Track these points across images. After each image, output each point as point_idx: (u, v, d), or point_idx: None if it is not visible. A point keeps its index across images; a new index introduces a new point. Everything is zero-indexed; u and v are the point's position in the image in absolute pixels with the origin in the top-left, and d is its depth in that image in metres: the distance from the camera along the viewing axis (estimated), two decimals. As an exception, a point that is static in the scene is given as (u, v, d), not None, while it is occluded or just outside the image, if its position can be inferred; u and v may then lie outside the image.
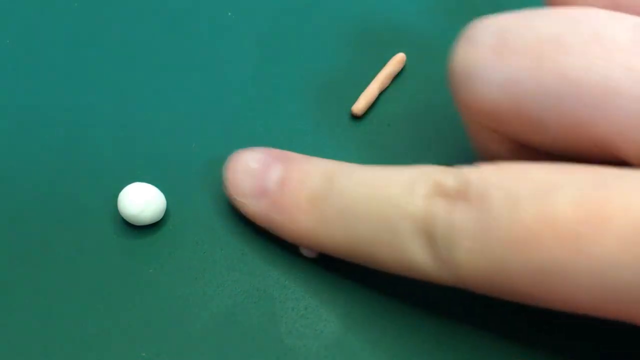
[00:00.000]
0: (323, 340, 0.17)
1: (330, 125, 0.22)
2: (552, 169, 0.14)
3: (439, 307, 0.18)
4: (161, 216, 0.19)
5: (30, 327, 0.17)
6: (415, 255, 0.15)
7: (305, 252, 0.18)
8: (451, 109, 0.22)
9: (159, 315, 0.18)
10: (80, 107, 0.22)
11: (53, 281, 0.18)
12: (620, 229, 0.12)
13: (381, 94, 0.22)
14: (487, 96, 0.15)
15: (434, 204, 0.15)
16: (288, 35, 0.24)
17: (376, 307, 0.18)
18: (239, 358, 0.17)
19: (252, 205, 0.18)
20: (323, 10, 0.25)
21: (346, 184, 0.16)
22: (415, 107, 0.22)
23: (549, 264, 0.13)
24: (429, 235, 0.15)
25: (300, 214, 0.17)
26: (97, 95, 0.22)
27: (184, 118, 0.22)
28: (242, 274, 0.18)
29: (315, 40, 0.24)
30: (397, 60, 0.23)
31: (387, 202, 0.15)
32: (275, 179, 0.17)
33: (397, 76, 0.23)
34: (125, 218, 0.19)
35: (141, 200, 0.18)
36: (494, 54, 0.15)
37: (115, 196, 0.19)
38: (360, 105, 0.22)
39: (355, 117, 0.22)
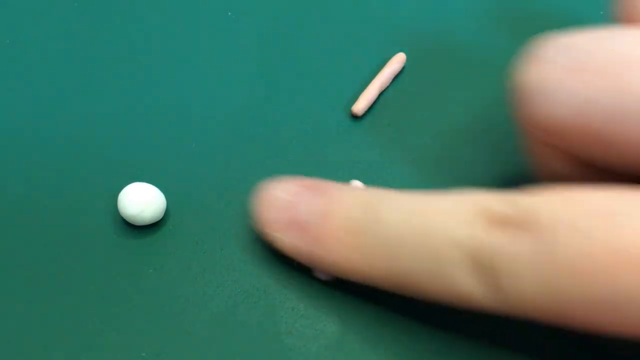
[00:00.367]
0: (323, 340, 0.17)
1: (330, 125, 0.22)
2: (614, 195, 0.14)
3: (439, 308, 0.18)
4: (161, 216, 0.19)
5: (30, 327, 0.17)
6: (467, 286, 0.15)
7: (320, 275, 0.18)
8: (451, 109, 0.22)
9: (159, 315, 0.18)
10: (80, 107, 0.22)
11: (53, 281, 0.18)
12: None
13: (381, 94, 0.22)
14: (559, 114, 0.15)
15: (486, 232, 0.14)
16: (288, 35, 0.24)
17: (376, 308, 0.18)
18: (238, 358, 0.17)
19: (288, 240, 0.17)
20: (323, 10, 0.25)
21: (387, 213, 0.16)
22: (415, 107, 0.22)
23: (618, 294, 0.13)
24: (482, 264, 0.14)
25: (342, 247, 0.16)
26: (97, 95, 0.22)
27: (184, 118, 0.22)
28: (242, 274, 0.18)
29: (315, 40, 0.24)
30: (397, 60, 0.23)
31: (433, 231, 0.15)
32: (313, 211, 0.17)
33: (397, 76, 0.23)
34: (125, 218, 0.19)
35: (141, 200, 0.18)
36: (569, 73, 0.15)
37: (115, 196, 0.19)
38: (360, 105, 0.22)
39: (355, 117, 0.22)
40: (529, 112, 0.16)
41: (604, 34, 0.15)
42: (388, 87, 0.22)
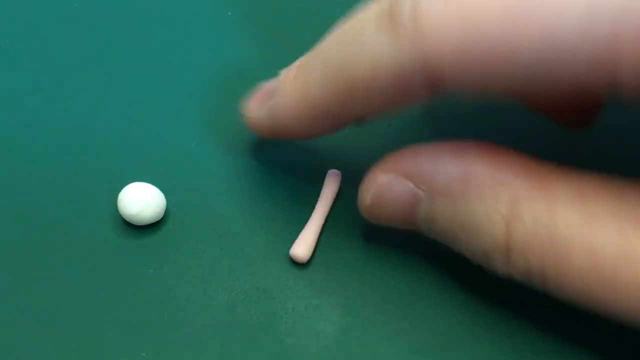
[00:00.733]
0: (323, 340, 0.17)
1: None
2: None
3: (439, 308, 0.18)
4: (161, 216, 0.19)
5: (29, 327, 0.17)
6: (377, 44, 0.15)
7: (294, 254, 0.18)
8: (451, 109, 0.22)
9: (159, 315, 0.18)
10: (80, 107, 0.22)
11: (53, 281, 0.18)
12: None
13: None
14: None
15: None
16: (288, 34, 0.24)
17: (376, 308, 0.18)
18: (239, 358, 0.17)
19: (256, 113, 0.19)
20: (323, 10, 0.25)
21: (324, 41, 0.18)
22: (415, 107, 0.22)
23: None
24: (394, 21, 0.15)
25: (291, 86, 0.18)
26: (97, 95, 0.22)
27: (184, 118, 0.22)
28: (242, 274, 0.18)
29: (315, 39, 0.24)
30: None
31: (351, 22, 0.17)
32: (280, 80, 0.19)
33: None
34: (125, 218, 0.19)
35: (141, 200, 0.18)
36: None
37: (115, 196, 0.19)
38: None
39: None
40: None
41: None
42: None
